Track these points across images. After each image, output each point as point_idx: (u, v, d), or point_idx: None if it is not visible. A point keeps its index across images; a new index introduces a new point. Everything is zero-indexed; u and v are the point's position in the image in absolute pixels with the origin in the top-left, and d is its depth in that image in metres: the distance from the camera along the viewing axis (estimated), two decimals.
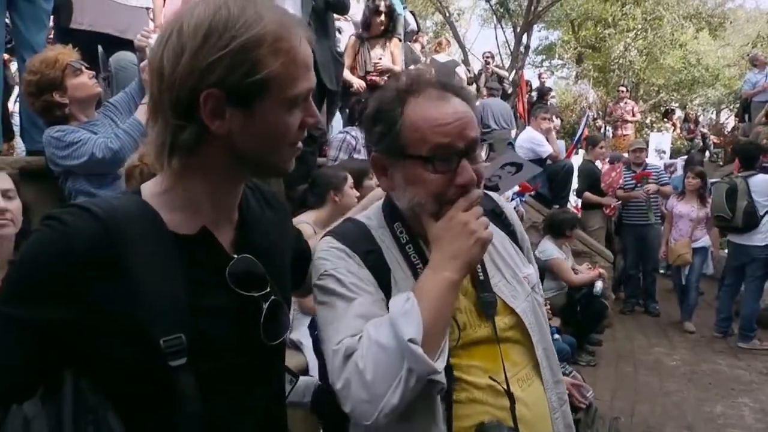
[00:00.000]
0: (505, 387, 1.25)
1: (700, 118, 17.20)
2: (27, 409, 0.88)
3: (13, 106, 5.10)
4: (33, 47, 3.33)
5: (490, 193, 1.50)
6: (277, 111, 0.97)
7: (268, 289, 1.06)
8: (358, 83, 5.49)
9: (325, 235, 1.34)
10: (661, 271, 8.36)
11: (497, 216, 1.46)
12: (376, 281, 1.25)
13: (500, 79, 11.20)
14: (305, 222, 2.82)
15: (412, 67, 7.32)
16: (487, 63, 11.38)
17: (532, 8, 17.60)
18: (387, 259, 1.29)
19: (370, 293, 1.22)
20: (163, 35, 0.96)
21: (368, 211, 1.42)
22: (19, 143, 4.48)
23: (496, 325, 1.29)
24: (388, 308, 1.17)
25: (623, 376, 5.39)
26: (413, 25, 8.72)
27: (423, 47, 9.22)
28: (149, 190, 1.03)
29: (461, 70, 9.17)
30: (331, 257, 1.26)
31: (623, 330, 6.94)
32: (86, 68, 2.84)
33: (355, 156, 4.31)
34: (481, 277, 1.33)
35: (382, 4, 5.49)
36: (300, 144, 1.05)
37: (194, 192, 1.02)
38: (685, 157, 12.75)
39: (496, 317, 1.30)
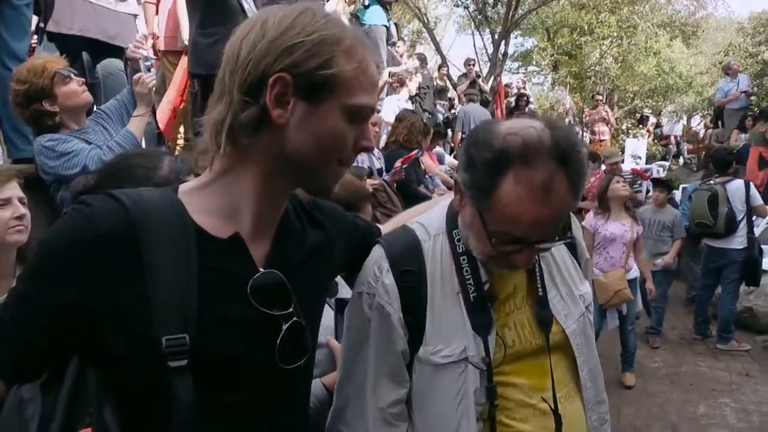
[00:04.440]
0: (553, 407, 1.25)
1: (664, 126, 17.55)
2: (24, 392, 0.89)
3: None
4: (16, 54, 3.29)
5: None
6: (339, 116, 0.97)
7: (291, 310, 1.01)
8: None
9: (377, 242, 1.34)
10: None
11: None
12: (406, 304, 1.24)
13: (480, 89, 11.31)
14: None
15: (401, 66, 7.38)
16: (469, 71, 11.51)
17: (510, 16, 17.81)
18: (429, 278, 1.27)
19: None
20: (246, 27, 0.97)
21: (433, 212, 1.39)
22: None
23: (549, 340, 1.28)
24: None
25: (607, 379, 5.40)
26: (395, 37, 8.81)
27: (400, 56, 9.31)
28: (187, 186, 1.02)
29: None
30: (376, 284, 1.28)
31: (603, 332, 7.02)
32: (75, 75, 2.81)
33: None
34: (540, 293, 1.31)
35: None
36: (348, 168, 1.04)
37: (236, 193, 1.00)
38: (661, 162, 13.02)
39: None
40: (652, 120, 18.24)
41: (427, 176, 5.70)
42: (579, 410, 1.33)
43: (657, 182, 6.88)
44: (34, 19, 4.29)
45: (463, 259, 1.27)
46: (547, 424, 1.25)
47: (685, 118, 20.42)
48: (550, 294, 1.32)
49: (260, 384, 1.00)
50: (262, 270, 1.00)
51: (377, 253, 1.30)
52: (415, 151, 4.89)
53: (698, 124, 17.95)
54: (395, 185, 4.64)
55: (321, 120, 0.96)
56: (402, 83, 7.01)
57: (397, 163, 4.65)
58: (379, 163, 4.78)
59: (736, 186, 6.28)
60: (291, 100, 0.94)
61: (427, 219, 1.36)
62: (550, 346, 1.28)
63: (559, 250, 1.37)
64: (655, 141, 16.69)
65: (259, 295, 0.97)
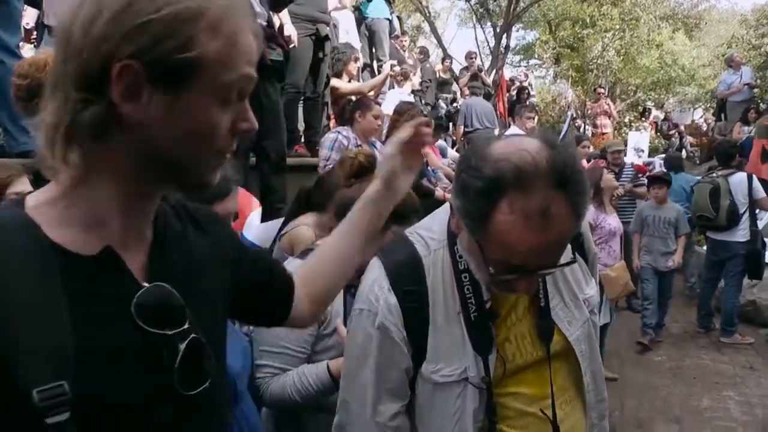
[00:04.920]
0: (552, 417, 1.23)
1: (673, 118, 17.52)
2: None
3: None
4: (9, 47, 3.28)
5: None
6: (207, 103, 0.80)
7: (187, 326, 0.86)
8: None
9: (376, 253, 1.29)
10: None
11: None
12: (409, 324, 1.22)
13: (483, 82, 11.29)
14: (305, 224, 2.79)
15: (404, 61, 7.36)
16: (471, 64, 11.49)
17: (512, 8, 17.74)
18: (430, 296, 1.22)
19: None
20: (80, 1, 0.78)
21: (434, 222, 1.32)
22: None
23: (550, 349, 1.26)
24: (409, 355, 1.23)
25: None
26: (398, 30, 8.80)
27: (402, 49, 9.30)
28: (36, 199, 0.82)
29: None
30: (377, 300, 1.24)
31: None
32: None
33: None
34: (542, 303, 1.27)
35: None
36: (228, 156, 0.88)
37: (97, 201, 0.81)
38: (664, 155, 12.98)
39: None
40: (655, 113, 18.18)
41: (429, 169, 5.69)
42: (579, 413, 1.33)
43: (654, 180, 6.55)
44: (35, 13, 4.30)
45: (465, 277, 1.22)
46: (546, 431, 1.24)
47: (689, 109, 20.31)
48: (553, 302, 1.28)
49: (159, 417, 0.84)
50: (145, 285, 0.84)
51: (376, 270, 1.26)
52: None
53: (700, 117, 17.89)
54: None
55: (186, 110, 0.79)
56: (406, 77, 7.01)
57: None
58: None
59: (738, 179, 6.27)
60: (145, 91, 0.77)
61: (428, 230, 1.30)
62: (551, 355, 1.26)
63: (567, 252, 1.26)
64: (658, 134, 16.65)
65: (146, 314, 0.82)
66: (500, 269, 1.09)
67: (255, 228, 2.80)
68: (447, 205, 1.29)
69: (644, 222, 6.29)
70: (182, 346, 0.85)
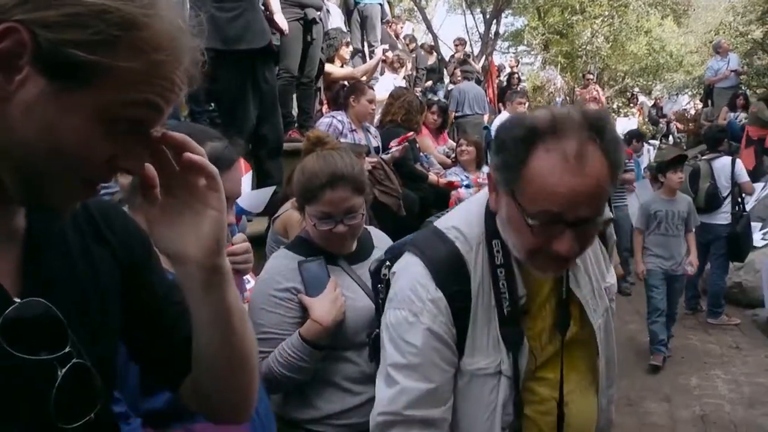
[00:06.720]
0: (559, 399, 1.28)
1: (664, 106, 17.67)
2: None
3: None
4: None
5: None
6: (90, 117, 0.65)
7: (68, 349, 0.73)
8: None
9: (409, 250, 1.29)
10: None
11: None
12: (457, 323, 1.22)
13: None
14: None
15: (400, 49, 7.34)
16: (457, 51, 11.52)
17: None
18: (473, 294, 1.23)
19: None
20: None
21: (471, 215, 1.30)
22: None
23: (566, 336, 1.29)
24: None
25: None
26: (389, 16, 8.80)
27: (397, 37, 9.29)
28: None
29: None
30: (421, 302, 1.21)
31: None
32: None
33: (342, 140, 4.34)
34: (564, 296, 1.29)
35: None
36: (98, 189, 0.74)
37: None
38: (651, 141, 13.11)
39: (569, 329, 1.29)
40: (642, 99, 18.31)
41: (422, 154, 5.72)
42: (593, 397, 1.38)
43: (675, 161, 5.39)
44: None
45: (500, 272, 1.24)
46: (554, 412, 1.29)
47: (677, 96, 20.47)
48: (585, 290, 1.32)
49: None
50: (17, 300, 0.71)
51: (416, 268, 1.25)
52: (410, 133, 4.92)
53: (687, 103, 18.05)
54: (392, 164, 4.66)
55: (61, 113, 0.65)
56: (402, 64, 7.04)
57: (393, 143, 4.67)
58: (376, 142, 4.79)
59: (722, 163, 6.35)
60: (25, 68, 0.63)
61: (467, 225, 1.28)
62: (575, 341, 1.31)
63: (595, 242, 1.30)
64: (646, 120, 16.78)
65: (15, 334, 0.69)
66: (539, 220, 1.10)
67: (245, 193, 2.82)
68: (480, 198, 1.32)
69: (651, 218, 5.32)
70: (61, 372, 0.73)
